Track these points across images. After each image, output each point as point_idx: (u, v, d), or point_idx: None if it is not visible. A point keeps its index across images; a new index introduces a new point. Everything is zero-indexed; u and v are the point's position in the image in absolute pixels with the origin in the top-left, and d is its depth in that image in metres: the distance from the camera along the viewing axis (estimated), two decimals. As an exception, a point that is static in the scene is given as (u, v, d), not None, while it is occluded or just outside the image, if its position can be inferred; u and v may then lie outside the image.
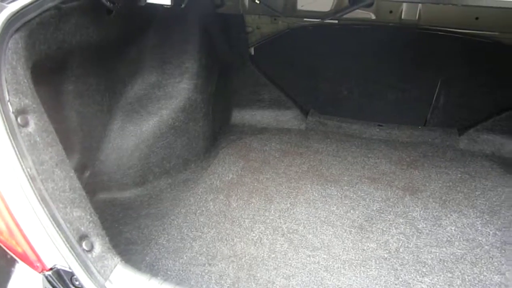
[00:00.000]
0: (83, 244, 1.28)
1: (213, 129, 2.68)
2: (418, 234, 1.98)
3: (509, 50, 2.47)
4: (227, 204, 2.16)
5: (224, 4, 2.43)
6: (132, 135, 2.23)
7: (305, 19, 2.57)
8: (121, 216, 2.11)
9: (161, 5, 1.60)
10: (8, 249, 1.31)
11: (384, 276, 1.75)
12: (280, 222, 2.04)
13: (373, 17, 2.37)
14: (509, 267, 1.81)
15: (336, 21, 2.45)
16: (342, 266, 1.80)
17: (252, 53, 2.86)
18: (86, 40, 1.80)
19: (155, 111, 2.29)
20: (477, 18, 2.21)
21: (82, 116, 2.00)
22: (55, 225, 1.23)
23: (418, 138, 2.75)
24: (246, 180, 2.34)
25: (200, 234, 1.98)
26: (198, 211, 2.12)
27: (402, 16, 2.31)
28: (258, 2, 2.23)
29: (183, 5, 1.66)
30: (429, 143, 2.71)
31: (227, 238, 1.95)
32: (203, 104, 2.47)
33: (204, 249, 1.89)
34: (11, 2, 1.33)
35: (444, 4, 2.09)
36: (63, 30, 1.63)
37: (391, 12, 2.31)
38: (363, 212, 2.11)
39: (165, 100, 2.32)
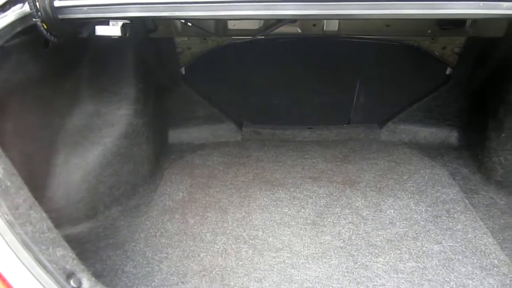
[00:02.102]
0: (71, 282, 1.28)
1: (155, 152, 2.70)
2: (364, 221, 2.19)
3: (414, 50, 2.83)
4: (184, 222, 2.21)
5: (157, 29, 2.48)
6: (77, 168, 2.18)
7: (233, 37, 2.70)
8: (79, 252, 2.05)
9: (109, 36, 1.63)
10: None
11: (344, 263, 1.92)
12: (240, 231, 2.14)
13: (299, 31, 2.57)
14: (444, 236, 2.08)
15: (263, 36, 2.62)
16: (306, 261, 1.94)
17: (184, 72, 2.93)
18: (25, 77, 1.77)
19: (98, 140, 2.26)
20: (388, 26, 2.50)
21: (24, 155, 1.93)
22: (41, 268, 1.22)
23: (345, 136, 3.01)
24: (197, 197, 2.40)
25: (166, 255, 2.00)
26: (158, 233, 2.14)
27: (324, 28, 2.54)
28: (190, 24, 2.31)
29: (127, 34, 1.70)
30: (356, 139, 2.99)
31: (193, 255, 2.00)
32: (144, 128, 2.49)
33: (173, 269, 1.92)
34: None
35: (360, 19, 2.35)
36: (6, 69, 1.59)
37: (314, 25, 2.53)
38: (312, 209, 2.28)
39: (107, 128, 2.30)
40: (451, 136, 2.94)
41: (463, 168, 2.66)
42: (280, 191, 2.43)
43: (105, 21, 1.59)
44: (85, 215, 2.21)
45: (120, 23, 1.58)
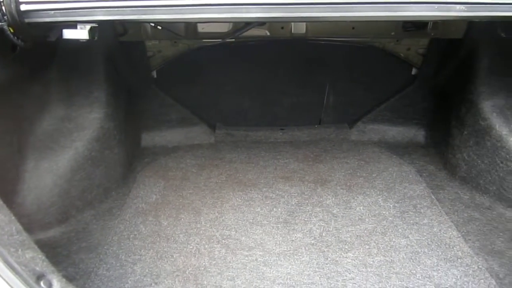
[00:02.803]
0: (41, 283, 1.28)
1: (128, 155, 2.70)
2: (335, 218, 2.25)
3: (380, 51, 2.92)
4: (158, 224, 2.22)
5: (126, 32, 2.49)
6: (48, 172, 2.17)
7: (205, 40, 2.74)
8: (51, 256, 2.04)
9: (77, 40, 1.63)
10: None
11: (315, 259, 1.97)
12: (213, 231, 2.16)
13: (268, 33, 2.62)
14: (410, 230, 2.16)
15: (233, 39, 2.66)
16: (277, 259, 1.98)
17: (155, 76, 2.94)
18: None
19: (68, 144, 2.26)
20: (353, 28, 2.58)
21: (-7, 160, 1.92)
22: (10, 270, 1.22)
23: (316, 136, 3.07)
24: (170, 199, 2.42)
25: (139, 257, 2.01)
26: (131, 235, 2.14)
27: (292, 31, 2.60)
28: (160, 28, 2.33)
29: (96, 38, 1.71)
30: (327, 139, 3.05)
31: (166, 256, 2.02)
32: (116, 131, 2.49)
33: (147, 270, 1.93)
34: None
35: (326, 21, 2.41)
36: None
37: (282, 28, 2.59)
38: (284, 208, 2.32)
39: (78, 132, 2.30)
40: (418, 134, 3.04)
41: (430, 165, 2.76)
42: (253, 191, 2.47)
43: (72, 25, 1.60)
44: (56, 220, 2.20)
45: (88, 26, 1.59)
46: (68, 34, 1.63)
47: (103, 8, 1.45)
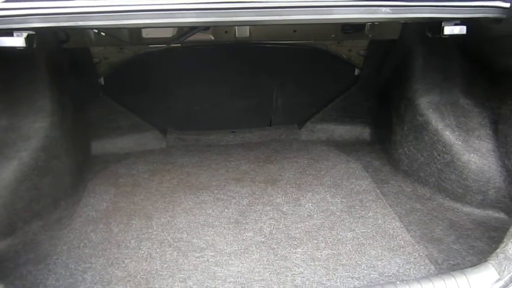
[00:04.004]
0: None
1: (77, 163, 2.67)
2: (284, 215, 2.31)
3: (323, 53, 3.03)
4: (108, 231, 2.21)
5: (69, 39, 2.46)
6: None
7: (150, 46, 2.75)
8: None
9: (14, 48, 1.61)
10: None
11: (265, 257, 2.02)
12: (165, 235, 2.18)
13: (212, 38, 2.67)
14: (357, 224, 2.25)
15: (179, 45, 2.69)
16: (228, 258, 2.02)
17: (103, 83, 2.92)
18: None
19: (13, 154, 2.21)
20: (294, 31, 2.67)
21: None
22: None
23: (267, 137, 3.14)
24: (121, 205, 2.41)
25: (89, 265, 1.99)
26: (81, 244, 2.12)
27: (236, 35, 2.66)
28: (103, 34, 2.33)
29: (34, 45, 1.69)
30: (277, 140, 3.13)
31: (118, 262, 2.01)
32: (63, 140, 2.46)
33: (97, 278, 1.92)
34: None
35: (263, 25, 2.48)
36: None
37: (226, 32, 2.64)
38: (235, 209, 2.37)
39: (22, 142, 2.25)
40: (364, 132, 3.17)
41: (375, 161, 2.88)
42: (204, 194, 2.50)
43: (8, 32, 1.58)
44: (2, 232, 2.15)
45: (25, 34, 1.57)
46: (3, 42, 1.60)
47: (38, 16, 1.45)
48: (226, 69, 3.03)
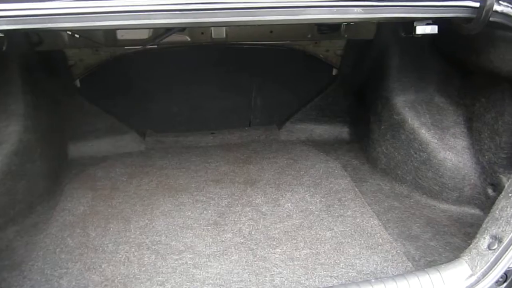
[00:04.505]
0: None
1: (53, 167, 2.62)
2: (264, 216, 2.31)
3: (301, 54, 3.04)
4: (85, 236, 2.18)
5: (42, 41, 2.42)
6: None
7: (125, 47, 2.72)
8: None
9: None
10: None
11: (244, 258, 2.02)
12: (143, 238, 2.16)
13: (188, 39, 2.65)
14: (335, 222, 2.26)
15: (156, 46, 2.67)
16: (207, 260, 2.01)
17: (79, 85, 2.88)
18: None
19: None
20: (271, 32, 2.67)
21: None
22: None
23: (247, 138, 3.14)
24: (99, 209, 2.38)
25: (65, 270, 1.96)
26: (57, 249, 2.09)
27: (213, 36, 2.65)
28: (78, 36, 2.30)
29: (4, 48, 1.65)
30: (256, 141, 3.13)
31: (95, 266, 1.98)
32: (37, 143, 2.42)
33: (74, 283, 1.89)
34: None
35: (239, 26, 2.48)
36: None
37: (202, 33, 2.63)
38: (215, 210, 2.36)
39: None
40: (343, 131, 3.19)
41: (354, 159, 2.90)
42: (183, 196, 2.48)
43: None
44: None
45: (-7, 36, 1.55)
46: (-31, 45, 1.57)
47: (6, 18, 1.41)
48: (204, 70, 3.01)
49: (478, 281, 1.39)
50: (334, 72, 3.15)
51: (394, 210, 2.38)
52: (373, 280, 1.40)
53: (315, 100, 3.19)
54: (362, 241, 2.12)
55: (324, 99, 3.18)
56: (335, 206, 2.40)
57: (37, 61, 2.56)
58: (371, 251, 2.05)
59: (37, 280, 1.92)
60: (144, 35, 2.48)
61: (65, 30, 2.08)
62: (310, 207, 2.38)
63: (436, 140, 2.41)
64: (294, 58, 3.06)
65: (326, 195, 2.49)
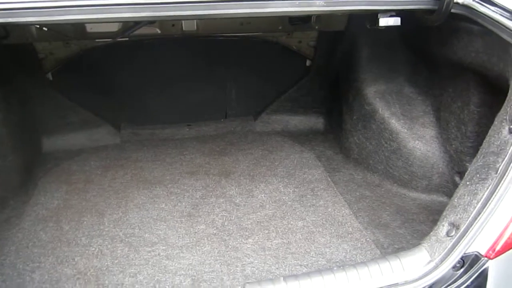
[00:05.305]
0: None
1: (26, 161, 2.61)
2: (237, 207, 2.34)
3: (274, 45, 3.05)
4: (59, 229, 2.18)
5: (9, 35, 2.39)
6: None
7: (97, 40, 2.70)
8: None
9: None
10: None
11: (216, 248, 2.05)
12: (116, 231, 2.17)
13: (159, 31, 2.64)
14: (307, 212, 2.30)
15: (127, 39, 2.65)
16: (180, 251, 2.03)
17: (51, 78, 2.86)
18: None
19: None
20: (241, 24, 2.68)
21: None
22: None
23: (223, 130, 3.16)
24: (73, 203, 2.38)
25: (38, 264, 1.97)
26: (30, 243, 2.09)
27: (184, 28, 2.64)
28: (46, 29, 2.27)
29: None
30: (232, 132, 3.15)
31: (67, 260, 1.99)
32: (9, 138, 2.40)
33: (46, 277, 1.90)
34: None
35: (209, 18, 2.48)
36: None
37: (173, 25, 2.62)
38: (189, 202, 2.38)
39: None
40: (318, 122, 3.23)
41: (328, 150, 2.94)
42: (158, 188, 2.50)
43: None
44: None
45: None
46: None
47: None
48: (178, 63, 3.01)
49: (436, 267, 1.44)
50: (308, 63, 3.17)
51: (365, 199, 2.43)
52: (335, 268, 1.44)
53: (289, 92, 3.21)
54: (333, 230, 2.17)
55: (299, 90, 3.21)
56: (308, 196, 2.43)
57: (5, 54, 2.53)
58: (341, 240, 2.10)
59: (9, 275, 1.92)
60: (113, 28, 2.46)
61: (29, 24, 2.06)
62: (283, 198, 2.42)
63: (405, 130, 2.45)
64: (268, 50, 3.07)
65: (299, 185, 2.52)
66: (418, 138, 2.43)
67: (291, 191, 2.48)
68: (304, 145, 2.98)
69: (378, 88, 2.60)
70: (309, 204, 2.37)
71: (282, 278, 1.38)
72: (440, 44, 2.15)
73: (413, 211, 2.32)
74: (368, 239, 2.10)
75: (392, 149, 2.50)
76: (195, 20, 2.56)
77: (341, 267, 1.43)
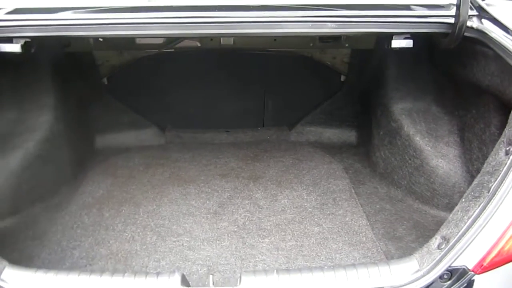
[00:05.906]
0: None
1: (79, 155, 2.94)
2: (260, 209, 2.50)
3: (307, 60, 3.20)
4: (100, 215, 2.46)
5: (70, 44, 2.74)
6: (1, 169, 2.40)
7: (145, 50, 3.01)
8: None
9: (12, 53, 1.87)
10: None
11: (234, 244, 2.23)
12: (149, 221, 2.41)
13: (199, 44, 2.90)
14: (325, 219, 2.41)
15: (173, 50, 2.93)
16: (201, 243, 2.23)
17: (106, 83, 3.20)
18: None
19: (20, 144, 2.49)
20: (275, 40, 2.86)
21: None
22: None
23: (258, 137, 3.34)
24: (115, 194, 2.66)
25: (79, 243, 2.25)
26: (75, 225, 2.38)
27: (222, 42, 2.87)
28: (101, 40, 2.60)
29: (33, 50, 1.95)
30: (268, 140, 3.32)
31: (103, 242, 2.26)
32: (66, 133, 2.74)
33: (84, 254, 2.17)
34: None
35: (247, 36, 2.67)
36: None
37: (211, 40, 2.86)
38: (216, 201, 2.58)
39: (28, 133, 2.54)
40: (351, 135, 3.32)
41: (357, 163, 3.03)
42: (191, 187, 2.72)
43: (8, 40, 1.84)
44: (8, 212, 2.43)
45: (22, 41, 1.84)
46: (2, 48, 1.86)
47: (32, 26, 1.71)
48: (217, 73, 3.25)
49: (423, 276, 1.52)
50: (342, 78, 3.29)
51: (384, 212, 2.50)
52: (325, 267, 1.57)
53: (324, 105, 3.34)
54: (347, 238, 2.26)
55: (333, 104, 3.33)
56: (329, 204, 2.54)
57: (67, 61, 2.89)
58: (352, 248, 2.19)
59: (54, 249, 2.22)
60: (158, 40, 2.75)
61: (86, 37, 2.37)
62: (305, 204, 2.55)
63: (429, 148, 2.51)
64: (303, 64, 3.23)
65: (322, 194, 2.64)
66: (441, 157, 2.47)
67: (313, 198, 2.60)
68: (334, 156, 3.09)
69: (404, 105, 2.67)
70: (328, 212, 2.47)
71: (275, 270, 1.53)
72: (462, 66, 2.20)
73: (430, 228, 2.35)
74: (379, 250, 2.17)
75: (416, 166, 2.55)
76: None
77: (331, 267, 1.55)
